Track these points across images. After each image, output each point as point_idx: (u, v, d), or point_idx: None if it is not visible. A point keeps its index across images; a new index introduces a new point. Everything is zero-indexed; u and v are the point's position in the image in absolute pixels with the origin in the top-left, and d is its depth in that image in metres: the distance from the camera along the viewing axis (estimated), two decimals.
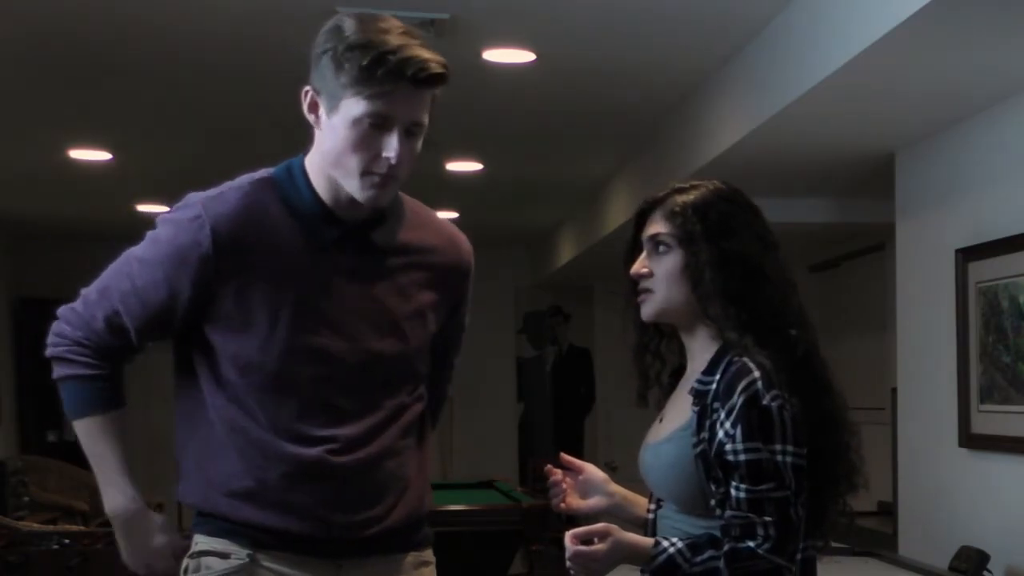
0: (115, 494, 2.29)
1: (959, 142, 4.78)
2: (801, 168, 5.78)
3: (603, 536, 2.06)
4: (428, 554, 2.40)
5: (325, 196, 2.25)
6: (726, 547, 2.01)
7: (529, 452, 11.13)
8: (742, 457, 2.00)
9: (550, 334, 11.80)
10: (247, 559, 2.22)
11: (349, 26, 2.13)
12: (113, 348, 2.29)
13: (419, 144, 2.22)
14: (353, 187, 2.20)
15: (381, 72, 2.09)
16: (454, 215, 9.54)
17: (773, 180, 5.99)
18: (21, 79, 5.41)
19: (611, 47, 4.93)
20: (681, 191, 2.18)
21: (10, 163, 7.33)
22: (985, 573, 4.26)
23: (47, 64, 5.18)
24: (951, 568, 4.30)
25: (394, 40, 2.11)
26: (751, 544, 2.00)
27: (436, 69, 2.13)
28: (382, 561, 2.31)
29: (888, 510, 6.91)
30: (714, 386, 2.06)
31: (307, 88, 2.20)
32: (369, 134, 2.15)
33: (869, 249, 7.72)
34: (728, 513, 2.02)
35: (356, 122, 2.14)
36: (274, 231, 2.23)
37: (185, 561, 2.28)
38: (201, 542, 2.27)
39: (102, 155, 7.02)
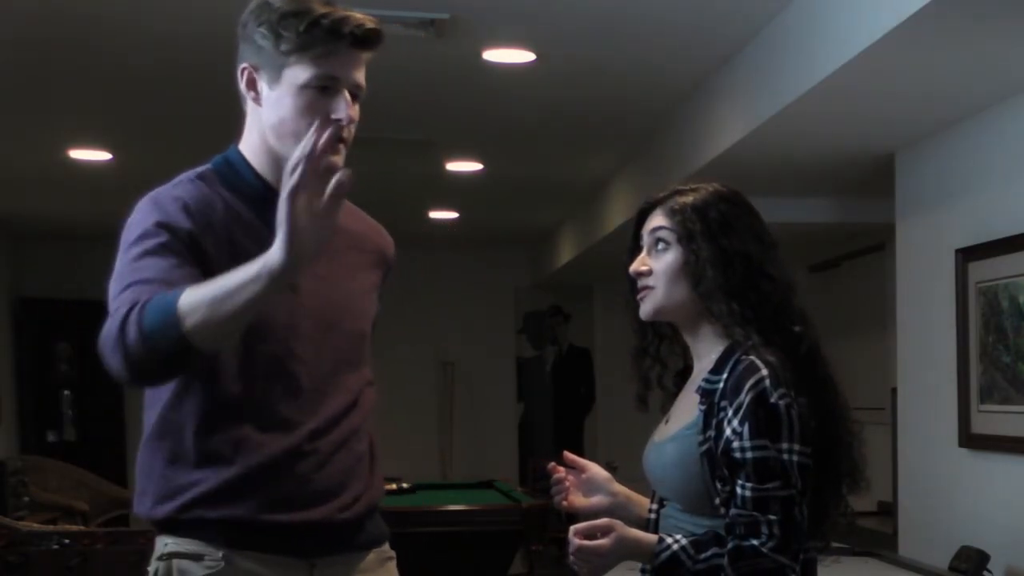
0: (258, 266, 1.94)
1: (959, 142, 4.78)
2: (801, 168, 5.78)
3: (607, 531, 2.06)
4: (388, 549, 2.39)
5: (269, 177, 2.24)
6: (730, 545, 2.01)
7: (529, 452, 11.15)
8: (749, 455, 2.00)
9: (550, 334, 11.81)
10: (222, 561, 2.16)
11: (277, 0, 2.18)
12: None
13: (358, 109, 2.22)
14: None
15: (320, 32, 2.13)
16: (454, 215, 9.54)
17: (773, 180, 6.00)
18: (21, 79, 5.41)
19: (611, 47, 4.93)
20: (681, 192, 2.19)
21: (10, 163, 7.33)
22: (985, 573, 4.26)
23: (48, 65, 5.18)
24: (951, 568, 4.31)
25: (324, 6, 2.16)
26: (755, 542, 2.00)
27: (371, 24, 2.17)
28: (352, 558, 2.30)
29: (888, 510, 6.92)
30: (721, 384, 2.06)
31: (243, 66, 2.23)
32: (316, 99, 2.16)
33: (869, 249, 7.73)
34: (733, 511, 2.02)
35: (302, 88, 2.16)
36: (235, 217, 2.22)
37: (154, 564, 2.20)
38: (170, 543, 2.19)
39: (102, 155, 7.02)
